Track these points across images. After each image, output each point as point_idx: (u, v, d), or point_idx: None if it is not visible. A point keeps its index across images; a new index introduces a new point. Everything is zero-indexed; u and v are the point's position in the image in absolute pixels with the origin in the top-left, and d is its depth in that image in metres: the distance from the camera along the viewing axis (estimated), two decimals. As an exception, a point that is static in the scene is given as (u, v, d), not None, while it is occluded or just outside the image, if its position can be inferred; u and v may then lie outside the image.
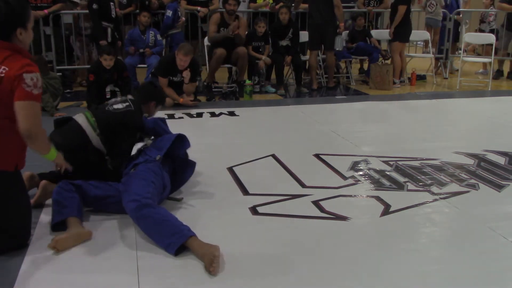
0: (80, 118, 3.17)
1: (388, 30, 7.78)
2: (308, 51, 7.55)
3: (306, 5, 7.48)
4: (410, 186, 3.48)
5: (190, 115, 5.51)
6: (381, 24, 9.15)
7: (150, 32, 6.89)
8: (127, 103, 3.27)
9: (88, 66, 6.56)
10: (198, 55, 7.46)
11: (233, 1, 6.73)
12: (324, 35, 7.16)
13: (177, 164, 3.28)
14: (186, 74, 5.71)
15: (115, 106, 3.24)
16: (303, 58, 7.56)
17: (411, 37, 7.88)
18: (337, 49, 7.46)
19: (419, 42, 10.27)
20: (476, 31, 8.91)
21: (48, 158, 2.60)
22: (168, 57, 6.02)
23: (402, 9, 7.28)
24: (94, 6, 6.71)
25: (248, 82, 6.74)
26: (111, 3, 6.87)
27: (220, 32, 6.80)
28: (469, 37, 8.17)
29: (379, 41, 8.42)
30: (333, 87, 7.47)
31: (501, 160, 4.04)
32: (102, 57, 5.66)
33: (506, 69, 8.70)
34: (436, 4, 8.48)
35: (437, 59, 8.72)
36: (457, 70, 8.43)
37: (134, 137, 3.29)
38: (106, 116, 3.18)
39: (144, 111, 3.43)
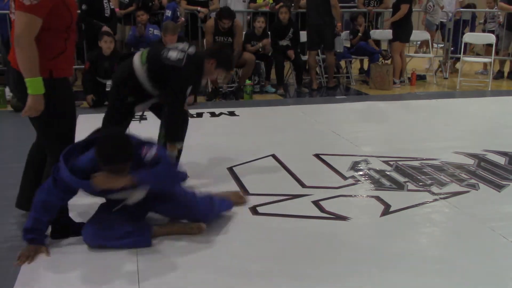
0: (137, 53, 3.21)
1: (387, 30, 7.79)
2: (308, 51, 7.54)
3: (304, 3, 7.45)
4: (410, 186, 3.48)
5: (190, 115, 5.50)
6: (381, 24, 9.15)
7: (149, 29, 6.90)
8: (181, 55, 3.11)
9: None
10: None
11: (226, 20, 6.53)
12: (322, 36, 7.15)
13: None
14: None
15: (170, 54, 3.10)
16: (303, 58, 7.55)
17: (411, 37, 7.87)
18: (338, 50, 7.46)
19: (418, 42, 10.28)
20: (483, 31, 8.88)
21: (30, 87, 2.39)
22: (160, 44, 6.02)
23: (404, 8, 7.26)
24: (83, 7, 6.71)
25: (248, 82, 6.74)
26: (105, 2, 6.84)
27: (216, 41, 6.62)
28: (469, 37, 8.16)
29: (379, 41, 8.43)
30: (333, 87, 7.45)
31: (501, 160, 4.04)
32: (103, 39, 5.69)
33: (506, 69, 8.69)
34: (434, 6, 8.46)
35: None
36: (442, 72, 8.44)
37: (183, 90, 3.16)
38: (156, 60, 3.11)
39: (205, 69, 3.24)
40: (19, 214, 2.91)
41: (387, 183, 3.54)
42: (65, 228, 2.69)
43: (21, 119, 2.68)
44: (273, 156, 4.10)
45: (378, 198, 3.26)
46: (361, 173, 3.74)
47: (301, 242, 2.69)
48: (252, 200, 3.19)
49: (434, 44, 9.09)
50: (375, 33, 8.25)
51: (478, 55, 9.00)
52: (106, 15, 6.86)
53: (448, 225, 2.95)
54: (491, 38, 7.91)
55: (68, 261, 2.45)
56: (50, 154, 2.65)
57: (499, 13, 8.47)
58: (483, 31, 8.73)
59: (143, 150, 2.52)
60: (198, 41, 7.65)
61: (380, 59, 7.99)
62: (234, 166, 3.84)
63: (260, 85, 7.32)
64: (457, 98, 6.93)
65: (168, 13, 7.04)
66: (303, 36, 7.51)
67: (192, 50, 3.20)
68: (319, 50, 7.55)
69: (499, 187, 3.48)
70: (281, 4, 7.35)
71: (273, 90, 7.15)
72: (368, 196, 3.33)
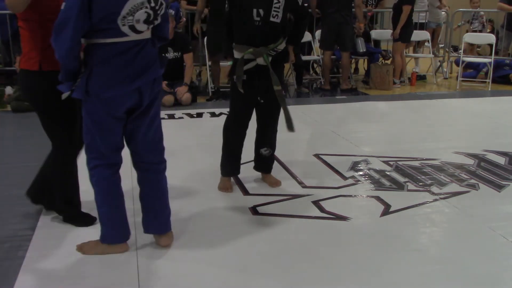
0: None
1: (387, 30, 7.77)
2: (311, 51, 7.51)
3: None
4: (410, 186, 3.48)
5: (190, 115, 5.51)
6: (380, 24, 9.14)
7: None
8: None
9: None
10: (198, 55, 7.46)
11: None
12: (341, 36, 7.05)
13: None
14: (183, 90, 5.92)
15: None
16: (303, 58, 7.54)
17: (412, 37, 7.87)
18: (360, 51, 7.47)
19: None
20: (467, 31, 8.88)
21: None
22: None
23: (407, 9, 7.23)
24: None
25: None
26: None
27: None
28: (469, 37, 8.16)
29: (379, 41, 8.42)
30: (347, 89, 7.27)
31: (501, 160, 4.04)
32: None
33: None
34: (429, 5, 8.46)
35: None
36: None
37: None
38: None
39: None
40: (20, 214, 2.92)
41: (387, 183, 3.54)
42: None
43: (21, 119, 2.68)
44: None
45: (378, 198, 3.26)
46: (361, 173, 3.74)
47: (301, 242, 2.69)
48: (252, 200, 3.19)
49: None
50: (375, 33, 8.23)
51: (479, 55, 8.99)
52: None
53: (448, 225, 2.95)
54: (491, 38, 7.91)
55: (68, 260, 2.45)
56: (55, 148, 2.69)
57: (481, 13, 8.52)
58: (473, 31, 8.73)
59: None
60: (198, 41, 7.65)
61: (380, 59, 7.98)
62: (234, 166, 3.84)
63: (260, 85, 7.31)
64: (457, 98, 6.93)
65: (172, 13, 7.04)
66: (303, 36, 7.47)
67: None
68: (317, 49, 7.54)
69: (499, 187, 3.49)
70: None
71: (273, 90, 7.13)
72: (368, 196, 3.33)
